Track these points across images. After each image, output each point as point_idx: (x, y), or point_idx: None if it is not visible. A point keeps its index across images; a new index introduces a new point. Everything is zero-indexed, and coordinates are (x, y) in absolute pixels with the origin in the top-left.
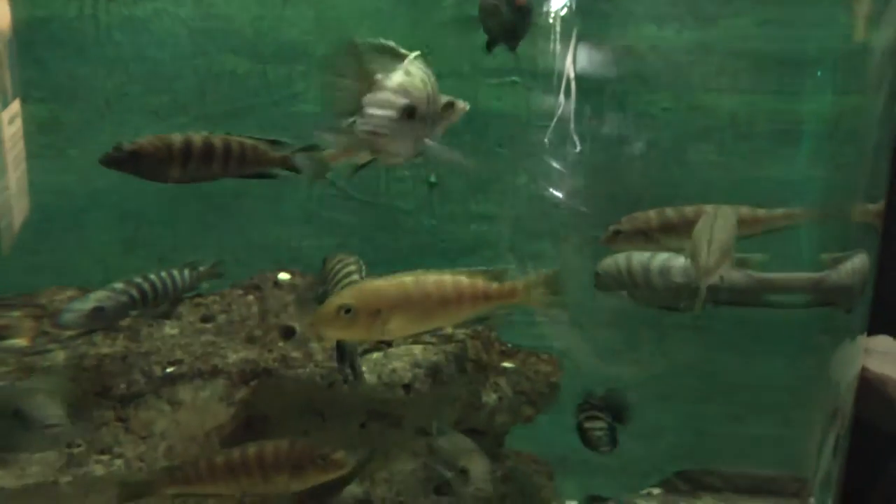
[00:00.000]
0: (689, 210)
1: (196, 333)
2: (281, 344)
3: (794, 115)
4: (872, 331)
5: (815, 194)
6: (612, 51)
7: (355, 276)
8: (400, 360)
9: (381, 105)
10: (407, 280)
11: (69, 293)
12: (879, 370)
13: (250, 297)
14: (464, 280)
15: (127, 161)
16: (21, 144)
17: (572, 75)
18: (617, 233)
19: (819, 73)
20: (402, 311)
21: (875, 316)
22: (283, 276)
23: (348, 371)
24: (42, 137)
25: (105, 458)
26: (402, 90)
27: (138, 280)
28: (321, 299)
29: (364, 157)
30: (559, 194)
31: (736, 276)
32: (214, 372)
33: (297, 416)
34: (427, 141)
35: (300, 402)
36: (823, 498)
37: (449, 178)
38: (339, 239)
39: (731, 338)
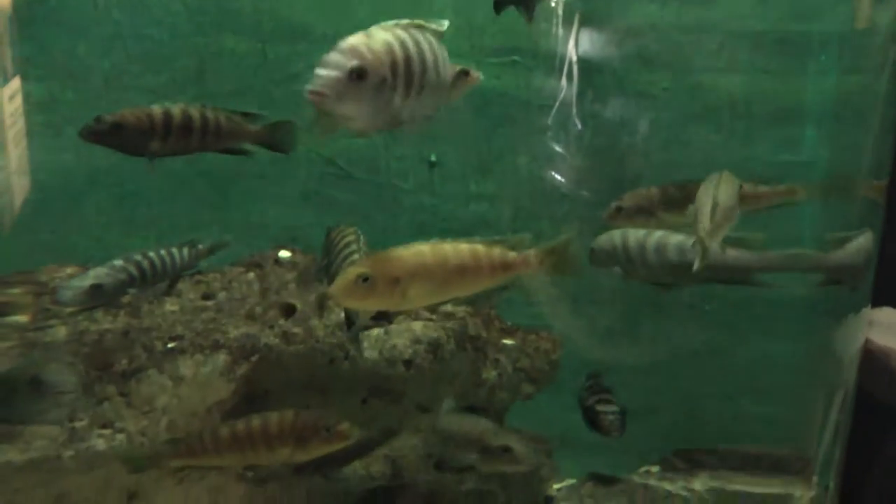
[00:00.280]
0: (691, 186)
1: (197, 310)
2: (282, 322)
3: (796, 95)
4: (876, 303)
5: (819, 175)
6: (613, 31)
7: (353, 247)
8: (400, 337)
9: (327, 65)
10: (424, 249)
11: (69, 270)
12: (883, 342)
13: (251, 275)
14: (481, 249)
15: (108, 133)
16: (21, 122)
17: (574, 55)
18: (619, 209)
19: (821, 53)
20: (420, 280)
21: (879, 288)
22: (284, 253)
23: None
24: (40, 116)
25: (107, 432)
26: (352, 51)
27: (137, 257)
28: (322, 272)
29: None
30: (559, 174)
31: (733, 254)
32: (215, 347)
33: (298, 391)
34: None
35: (301, 378)
36: (825, 474)
37: (449, 157)
38: (338, 218)
39: (730, 317)
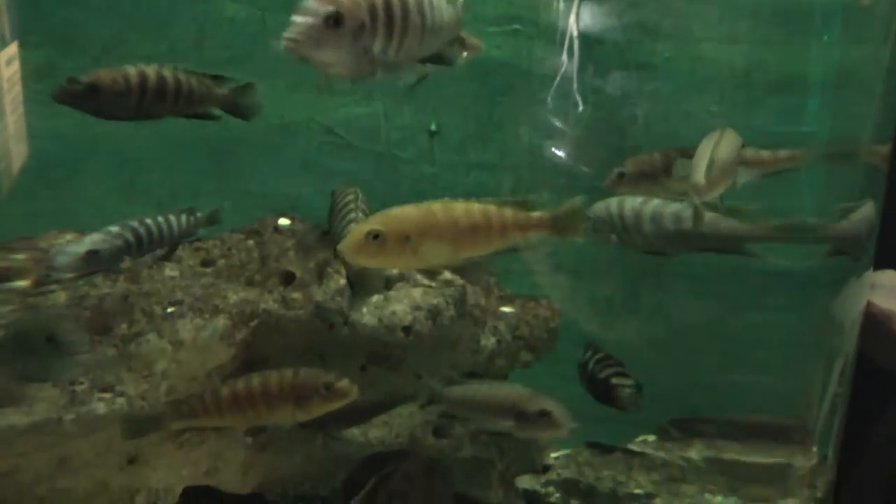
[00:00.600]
0: (693, 152)
1: (196, 276)
2: (281, 289)
3: (797, 66)
4: (879, 265)
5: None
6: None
7: (352, 206)
8: (400, 303)
9: (302, 12)
10: (435, 207)
11: (69, 237)
12: (885, 306)
13: (250, 242)
14: (492, 209)
15: (84, 96)
16: (18, 87)
17: (575, 24)
18: (621, 175)
19: (824, 29)
20: (430, 238)
21: (881, 250)
22: (284, 221)
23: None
24: (38, 83)
25: (107, 396)
26: None
27: (134, 224)
28: (325, 233)
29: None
30: (560, 144)
31: (725, 224)
32: (215, 312)
33: (297, 358)
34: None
35: (300, 344)
36: (824, 444)
37: (449, 127)
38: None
39: (728, 287)
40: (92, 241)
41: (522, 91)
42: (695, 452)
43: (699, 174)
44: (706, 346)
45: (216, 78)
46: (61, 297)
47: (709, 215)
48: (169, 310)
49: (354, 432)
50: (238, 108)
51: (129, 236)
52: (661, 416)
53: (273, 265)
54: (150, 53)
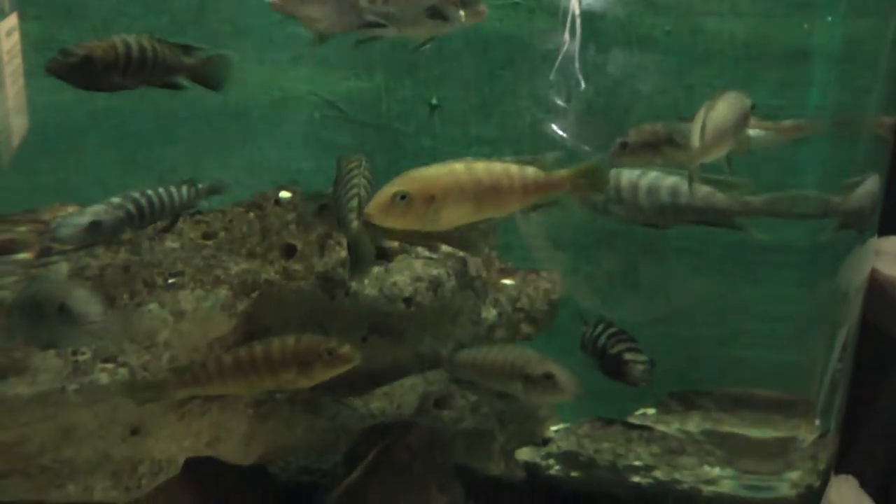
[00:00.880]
0: None
1: (197, 247)
2: (283, 262)
3: (800, 39)
4: (883, 231)
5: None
6: None
7: (355, 173)
8: (401, 274)
9: None
10: (458, 167)
11: (71, 209)
12: (890, 272)
13: (251, 215)
14: (513, 168)
15: (79, 67)
16: (19, 59)
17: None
18: (624, 145)
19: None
20: (454, 198)
21: (886, 216)
22: (285, 194)
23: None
24: (38, 56)
25: (110, 366)
26: None
27: (136, 195)
28: (320, 210)
29: None
30: (562, 118)
31: (721, 198)
32: (216, 282)
33: (298, 329)
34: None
35: (301, 315)
36: (826, 417)
37: (451, 100)
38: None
39: (728, 261)
40: (94, 212)
41: (523, 64)
42: (693, 425)
43: (694, 136)
44: (706, 319)
45: (186, 48)
46: (63, 267)
47: (703, 189)
48: (170, 280)
49: (356, 403)
50: (207, 78)
51: (131, 207)
52: (660, 389)
53: (274, 238)
54: (151, 26)
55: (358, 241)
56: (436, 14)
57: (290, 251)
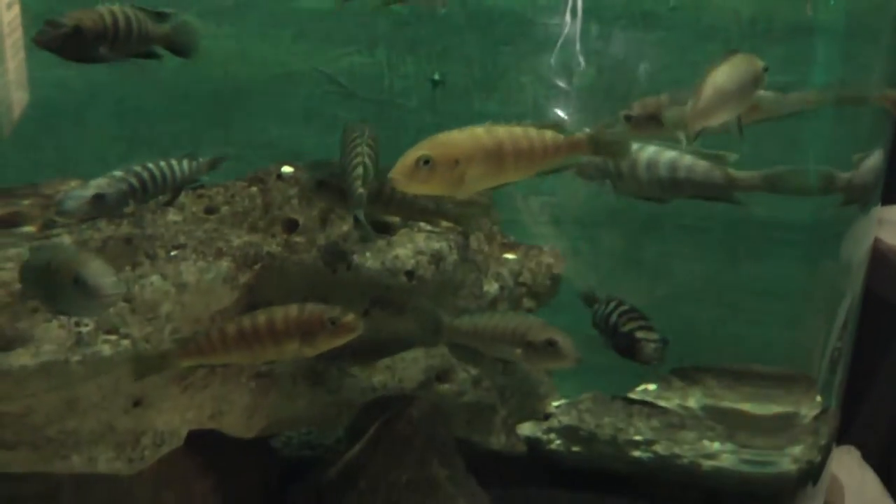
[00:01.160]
0: None
1: (199, 221)
2: (285, 236)
3: (804, 13)
4: (887, 200)
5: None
6: None
7: (358, 141)
8: (403, 248)
9: None
10: (480, 131)
11: (73, 184)
12: (893, 241)
13: (253, 190)
14: (533, 132)
15: (69, 39)
16: (19, 32)
17: None
18: (627, 118)
19: None
20: (478, 162)
21: (890, 184)
22: (287, 169)
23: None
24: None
25: (112, 338)
26: None
27: (137, 169)
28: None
29: None
30: (563, 93)
31: (720, 172)
32: (218, 255)
33: (300, 301)
34: None
35: (303, 288)
36: (828, 393)
37: (453, 76)
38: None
39: (730, 238)
40: (97, 185)
41: (526, 40)
42: (694, 401)
43: (693, 101)
44: (707, 296)
45: (159, 15)
46: (66, 240)
47: (702, 163)
48: (172, 253)
49: (357, 377)
50: (179, 45)
51: (134, 181)
52: (662, 365)
53: (276, 213)
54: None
55: (363, 207)
56: None
57: (292, 226)
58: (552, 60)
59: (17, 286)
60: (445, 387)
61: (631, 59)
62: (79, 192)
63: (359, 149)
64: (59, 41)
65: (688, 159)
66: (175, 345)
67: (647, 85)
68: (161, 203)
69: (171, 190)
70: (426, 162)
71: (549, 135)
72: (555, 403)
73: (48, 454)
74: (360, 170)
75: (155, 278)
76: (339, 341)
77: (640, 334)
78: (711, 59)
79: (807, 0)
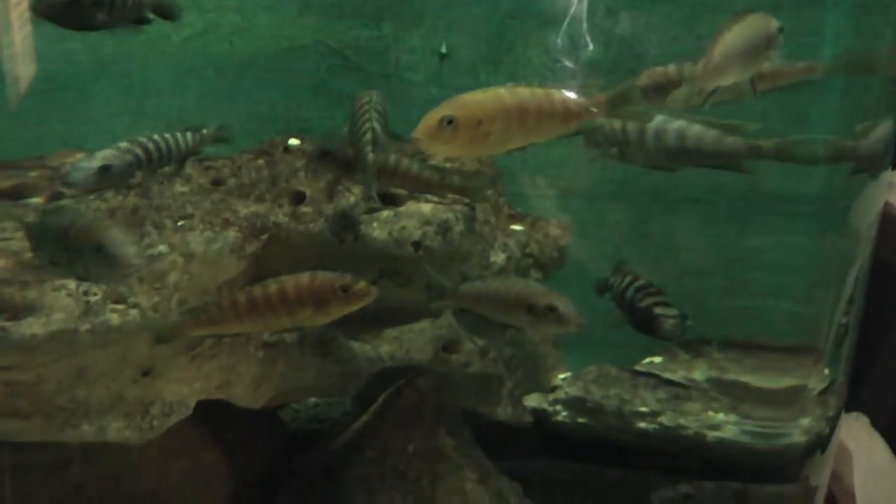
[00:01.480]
0: None
1: (206, 191)
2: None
3: None
4: None
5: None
6: None
7: (366, 108)
8: (410, 218)
9: None
10: (503, 92)
11: (78, 156)
12: None
13: (260, 162)
14: (555, 93)
15: (67, 7)
16: (25, 4)
17: None
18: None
19: None
20: (501, 123)
21: None
22: (294, 141)
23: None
24: None
25: (120, 307)
26: None
27: (143, 140)
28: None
29: None
30: (570, 65)
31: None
32: (225, 225)
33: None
34: None
35: (310, 258)
36: (835, 365)
37: (460, 49)
38: (347, 109)
39: (736, 211)
40: (104, 156)
41: (533, 13)
42: (699, 373)
43: (705, 60)
44: (715, 269)
45: None
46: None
47: (711, 132)
48: (179, 223)
49: (365, 347)
50: (166, 9)
51: (139, 152)
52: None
53: (283, 185)
54: None
55: (374, 171)
56: None
57: (299, 198)
58: (559, 33)
59: (27, 255)
60: (452, 357)
61: (638, 31)
62: (85, 163)
63: (367, 114)
64: (58, 9)
65: (697, 128)
66: (188, 315)
67: (656, 58)
68: (166, 175)
69: (175, 161)
70: (450, 122)
71: (570, 96)
72: (561, 376)
73: (60, 423)
74: (369, 135)
75: (162, 248)
76: (352, 308)
77: (657, 310)
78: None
79: None
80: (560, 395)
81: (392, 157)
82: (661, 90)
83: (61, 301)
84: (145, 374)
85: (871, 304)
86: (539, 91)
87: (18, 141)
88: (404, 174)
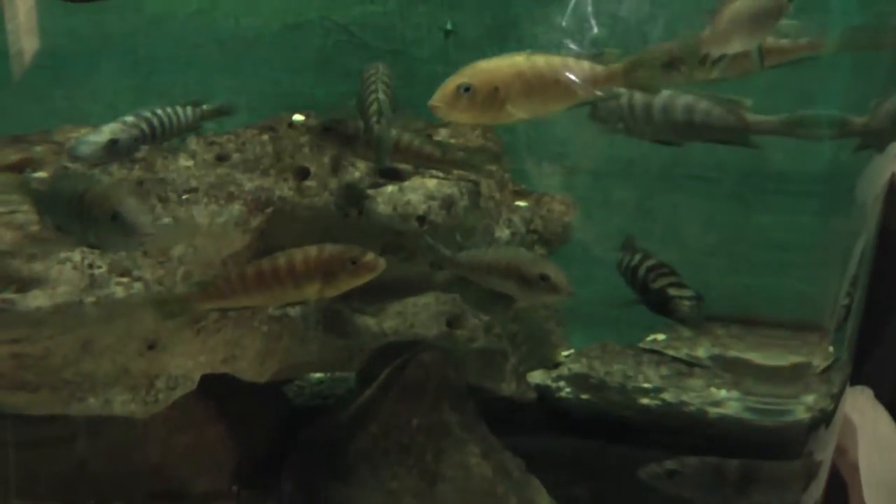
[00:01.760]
0: None
1: (211, 166)
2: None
3: None
4: None
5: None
6: None
7: (373, 79)
8: (415, 193)
9: None
10: (519, 59)
11: (83, 131)
12: None
13: (265, 137)
14: (571, 61)
15: None
16: None
17: None
18: None
19: None
20: (518, 90)
21: None
22: (298, 117)
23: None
24: None
25: (125, 280)
26: None
27: (147, 114)
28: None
29: None
30: (574, 42)
31: (735, 116)
32: (230, 199)
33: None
34: None
35: (315, 233)
36: (839, 343)
37: (465, 25)
38: (352, 86)
39: (741, 188)
40: (111, 130)
41: None
42: (702, 350)
43: (713, 22)
44: (719, 247)
45: None
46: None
47: (718, 107)
48: (184, 197)
49: (369, 322)
50: None
51: (144, 126)
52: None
53: (287, 160)
54: None
55: (381, 142)
56: None
57: (303, 174)
58: (565, 9)
59: (33, 228)
60: (457, 332)
61: (643, 6)
62: (92, 136)
63: (373, 86)
64: None
65: (704, 103)
66: (196, 288)
67: (661, 34)
68: (171, 148)
69: (178, 135)
70: (467, 89)
71: (586, 65)
72: (565, 353)
73: (66, 396)
74: (375, 106)
75: (167, 221)
76: (360, 281)
77: (672, 291)
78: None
79: None
80: (563, 371)
81: (394, 132)
82: (666, 66)
83: (66, 274)
84: (150, 347)
85: (876, 276)
86: (556, 59)
87: (23, 116)
88: (406, 149)
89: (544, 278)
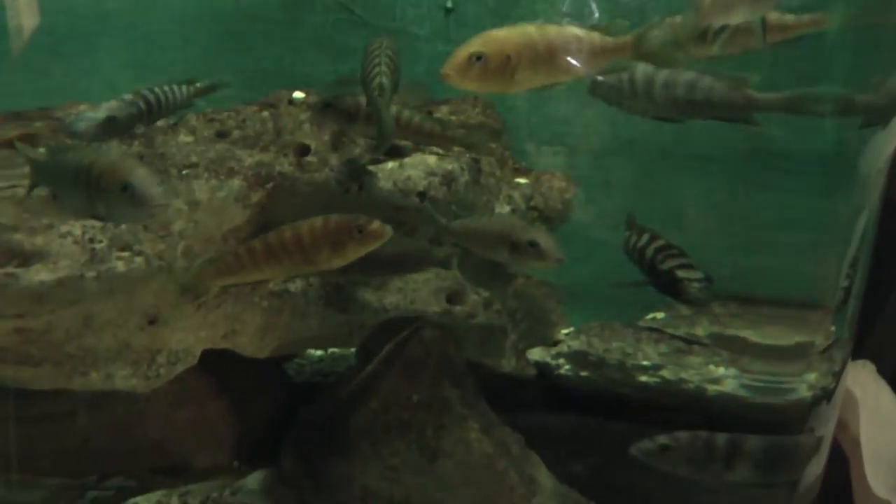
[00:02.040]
0: None
1: (211, 142)
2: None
3: None
4: None
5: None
6: None
7: (377, 52)
8: (415, 169)
9: None
10: (531, 29)
11: (82, 107)
12: None
13: (265, 114)
14: (581, 32)
15: None
16: None
17: None
18: None
19: None
20: (529, 59)
21: None
22: (298, 94)
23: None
24: None
25: (125, 255)
26: None
27: (144, 91)
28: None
29: None
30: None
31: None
32: (230, 174)
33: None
34: None
35: (315, 208)
36: (841, 323)
37: (466, 3)
38: (352, 65)
39: (742, 168)
40: (109, 107)
41: None
42: (701, 329)
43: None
44: (720, 226)
45: None
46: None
47: (720, 83)
48: (184, 172)
49: (369, 297)
50: None
51: (142, 103)
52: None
53: (288, 137)
54: None
55: (382, 116)
56: None
57: (303, 151)
58: None
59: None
60: (457, 308)
61: None
62: (90, 113)
63: (377, 59)
64: None
65: (707, 79)
66: (208, 264)
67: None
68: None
69: (173, 112)
70: (479, 58)
71: (596, 36)
72: (564, 330)
73: (69, 370)
74: (378, 80)
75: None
76: (367, 249)
77: (681, 273)
78: None
79: None
80: (563, 348)
81: (393, 109)
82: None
83: (67, 248)
84: (151, 322)
85: (880, 249)
86: (566, 29)
87: (23, 93)
88: (405, 126)
89: (533, 244)
